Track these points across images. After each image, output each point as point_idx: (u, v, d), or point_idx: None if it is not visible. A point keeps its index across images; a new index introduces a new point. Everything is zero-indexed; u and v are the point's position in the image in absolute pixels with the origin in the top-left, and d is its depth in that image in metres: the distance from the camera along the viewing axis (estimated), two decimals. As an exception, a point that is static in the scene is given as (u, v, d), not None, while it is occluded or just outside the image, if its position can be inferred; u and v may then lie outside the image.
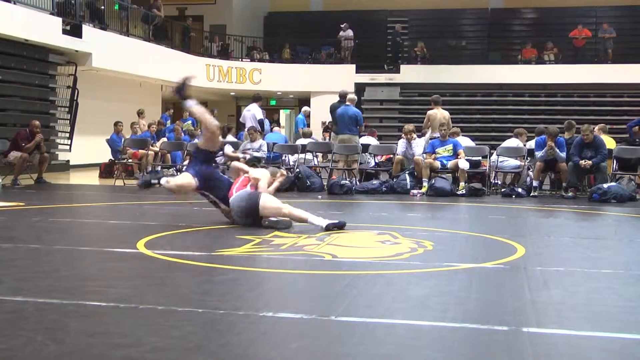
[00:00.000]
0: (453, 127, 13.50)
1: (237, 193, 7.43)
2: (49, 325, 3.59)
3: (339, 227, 7.16)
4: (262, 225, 7.33)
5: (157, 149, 15.57)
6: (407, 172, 12.30)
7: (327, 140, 16.48)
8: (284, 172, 8.38)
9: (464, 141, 13.15)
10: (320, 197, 11.43)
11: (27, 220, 8.10)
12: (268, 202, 7.33)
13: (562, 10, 28.64)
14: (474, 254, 6.20)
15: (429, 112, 13.61)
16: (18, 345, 3.23)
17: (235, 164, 8.31)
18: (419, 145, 12.83)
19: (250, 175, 7.68)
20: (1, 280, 4.63)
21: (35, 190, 12.15)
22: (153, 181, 7.57)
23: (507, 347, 3.35)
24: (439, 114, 13.33)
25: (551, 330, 3.63)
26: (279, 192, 11.62)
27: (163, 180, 7.58)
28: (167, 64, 22.18)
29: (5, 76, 16.36)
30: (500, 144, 13.41)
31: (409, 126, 13.29)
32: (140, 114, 17.99)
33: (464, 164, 11.83)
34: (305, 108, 20.84)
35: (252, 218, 7.35)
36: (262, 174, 7.82)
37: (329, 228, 7.07)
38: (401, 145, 13.00)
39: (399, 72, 26.26)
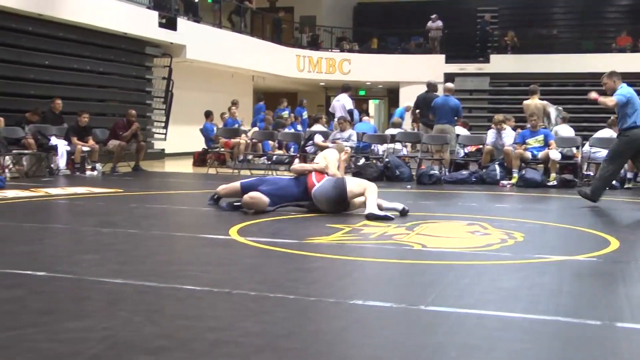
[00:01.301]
0: (564, 111, 13.30)
1: (320, 184, 7.46)
2: (146, 307, 3.69)
3: (382, 219, 7.02)
4: (350, 211, 7.37)
5: (248, 139, 15.77)
6: (497, 162, 12.10)
7: (416, 130, 16.36)
8: (348, 150, 8.18)
9: (566, 130, 12.86)
10: (409, 186, 11.37)
11: (125, 206, 8.35)
12: (355, 186, 7.34)
13: (659, -4, 27.56)
14: (565, 246, 6.06)
15: (525, 102, 13.34)
16: (118, 325, 3.33)
17: (295, 167, 8.25)
18: (509, 135, 12.60)
19: (318, 167, 7.70)
20: (102, 263, 4.79)
21: (132, 178, 12.50)
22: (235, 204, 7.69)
23: (600, 342, 3.25)
24: (532, 104, 13.04)
25: (647, 326, 3.51)
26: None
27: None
28: (258, 55, 22.45)
29: (105, 68, 16.92)
30: (593, 135, 13.03)
31: (499, 116, 13.09)
32: (234, 104, 18.27)
33: (555, 155, 11.55)
34: (407, 104, 20.71)
35: (342, 205, 7.38)
36: (329, 157, 7.83)
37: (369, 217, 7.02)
38: (491, 135, 12.81)
39: (489, 62, 25.83)
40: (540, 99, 13.48)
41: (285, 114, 19.44)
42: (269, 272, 4.66)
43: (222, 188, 7.97)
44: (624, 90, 8.59)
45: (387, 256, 5.32)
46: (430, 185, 11.59)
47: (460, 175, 12.20)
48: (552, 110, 13.57)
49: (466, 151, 13.74)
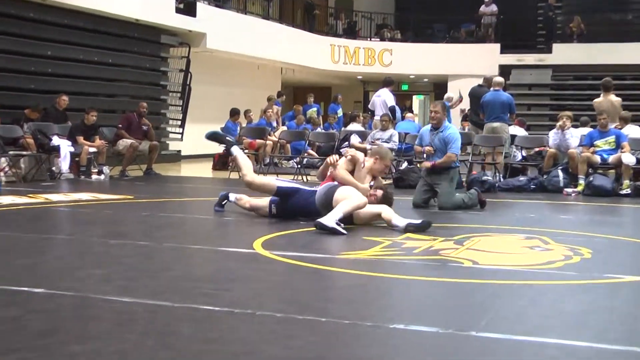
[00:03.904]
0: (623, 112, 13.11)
1: (320, 188, 7.59)
2: (159, 329, 3.71)
3: (421, 228, 6.97)
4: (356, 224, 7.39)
5: (276, 139, 15.82)
6: (560, 167, 12.00)
7: (465, 130, 16.29)
8: (354, 154, 8.07)
9: (633, 131, 12.70)
10: (458, 194, 11.31)
11: (135, 215, 8.42)
12: (340, 195, 7.30)
13: None
14: (639, 265, 5.98)
15: (595, 100, 13.12)
16: (128, 349, 3.35)
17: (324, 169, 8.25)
18: (574, 136, 12.48)
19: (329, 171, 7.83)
20: (109, 279, 4.83)
21: (144, 183, 12.61)
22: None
23: (681, 374, 3.21)
24: (605, 102, 12.86)
25: None
26: (404, 188, 11.60)
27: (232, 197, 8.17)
28: (288, 45, 22.53)
29: (115, 59, 17.06)
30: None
31: (565, 113, 12.96)
32: (269, 100, 18.48)
33: (628, 159, 11.42)
34: (448, 94, 20.66)
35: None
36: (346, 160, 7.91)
37: (408, 230, 6.93)
38: (553, 136, 12.69)
39: (551, 52, 25.61)
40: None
41: (314, 111, 19.46)
42: (298, 291, 4.67)
43: (259, 179, 8.12)
44: (454, 134, 9.35)
45: (432, 274, 5.30)
46: (483, 192, 11.50)
47: (517, 181, 12.11)
48: None
49: (524, 154, 13.64)
